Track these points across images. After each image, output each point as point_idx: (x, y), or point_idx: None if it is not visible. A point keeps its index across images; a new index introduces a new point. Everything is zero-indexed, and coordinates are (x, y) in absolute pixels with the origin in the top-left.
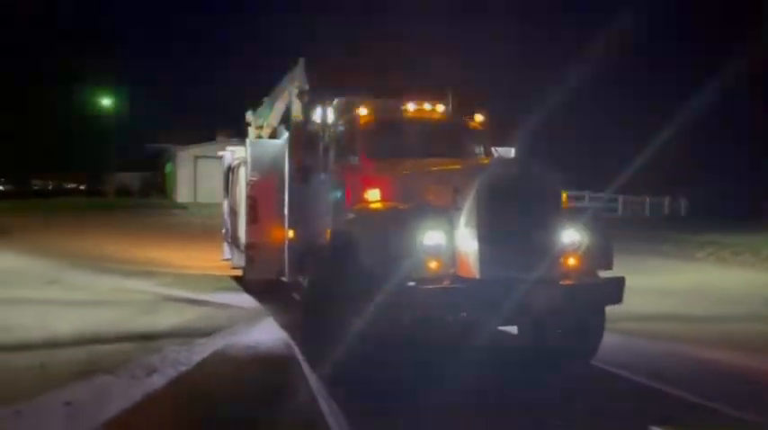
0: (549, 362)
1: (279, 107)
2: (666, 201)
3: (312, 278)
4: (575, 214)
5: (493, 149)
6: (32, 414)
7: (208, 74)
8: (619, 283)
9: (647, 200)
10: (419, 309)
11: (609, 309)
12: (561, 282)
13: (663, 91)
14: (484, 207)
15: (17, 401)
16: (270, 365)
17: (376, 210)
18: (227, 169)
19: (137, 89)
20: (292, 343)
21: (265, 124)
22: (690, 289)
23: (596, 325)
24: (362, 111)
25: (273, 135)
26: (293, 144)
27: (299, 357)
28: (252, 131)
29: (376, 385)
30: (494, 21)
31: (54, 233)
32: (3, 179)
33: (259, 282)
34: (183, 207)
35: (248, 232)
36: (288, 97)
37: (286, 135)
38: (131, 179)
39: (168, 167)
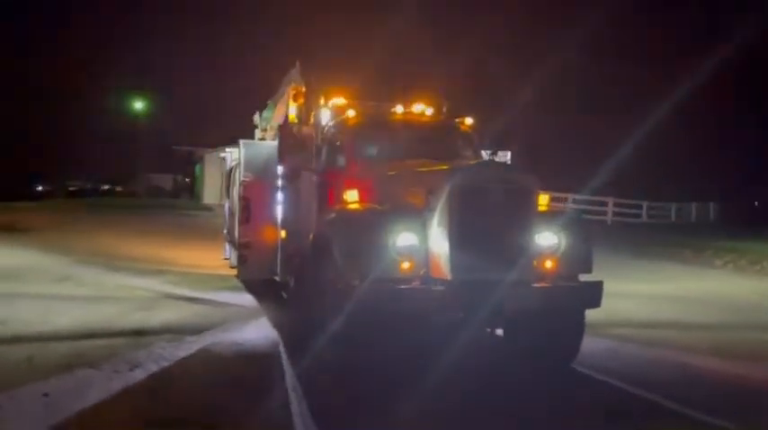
0: (530, 365)
1: (280, 109)
2: (694, 206)
3: (297, 277)
4: (553, 217)
5: (484, 152)
6: (10, 404)
7: (235, 75)
8: (596, 287)
9: (674, 205)
10: (388, 309)
11: (609, 314)
12: (535, 285)
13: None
14: (455, 209)
15: (6, 390)
16: (250, 363)
17: (352, 211)
18: (228, 170)
19: (168, 91)
20: (279, 341)
21: (268, 126)
22: (699, 296)
23: (575, 328)
24: (350, 113)
25: None
26: (280, 145)
27: (283, 356)
28: (258, 133)
29: (349, 387)
30: (490, 19)
31: (78, 231)
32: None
33: (261, 282)
34: (209, 208)
35: (241, 232)
36: (287, 99)
37: None
38: (163, 180)
39: (197, 169)
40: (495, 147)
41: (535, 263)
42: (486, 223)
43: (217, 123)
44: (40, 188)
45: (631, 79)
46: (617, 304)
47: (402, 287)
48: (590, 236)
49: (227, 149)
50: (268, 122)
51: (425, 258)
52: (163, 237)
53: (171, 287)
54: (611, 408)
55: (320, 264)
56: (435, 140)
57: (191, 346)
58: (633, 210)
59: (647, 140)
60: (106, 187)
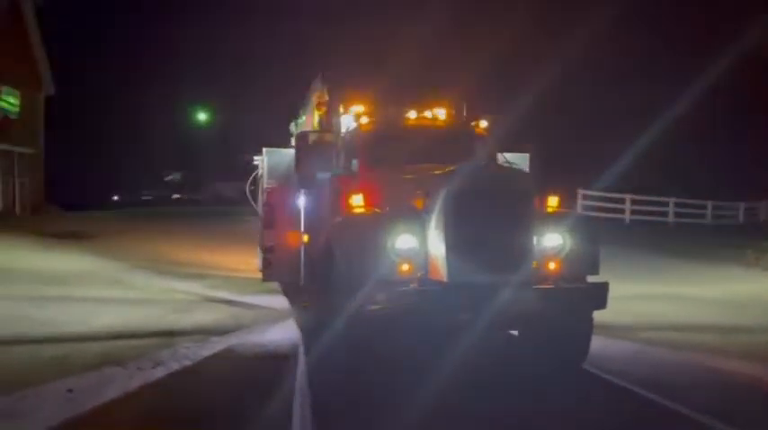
0: (541, 367)
1: (308, 118)
2: (763, 206)
3: (314, 281)
4: (558, 218)
5: (500, 155)
6: (35, 397)
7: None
8: (601, 288)
9: (743, 205)
10: (387, 311)
11: (642, 317)
12: (537, 286)
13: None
14: (450, 211)
15: (30, 387)
16: (267, 363)
17: (353, 215)
18: (255, 177)
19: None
20: (300, 343)
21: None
22: (746, 300)
23: (581, 329)
24: (363, 119)
25: None
26: (297, 153)
27: (300, 357)
28: (293, 141)
29: (351, 388)
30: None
31: (139, 238)
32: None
33: (296, 286)
34: None
35: (265, 236)
36: (312, 107)
37: None
38: (229, 189)
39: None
40: (511, 149)
41: (536, 264)
42: (483, 225)
43: (279, 131)
44: (116, 198)
45: (687, 68)
46: (654, 307)
47: (400, 289)
48: (596, 237)
49: (255, 158)
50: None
51: (424, 261)
52: (214, 242)
53: (211, 290)
54: (621, 414)
55: (327, 267)
56: (448, 144)
57: (214, 346)
58: (697, 211)
59: (708, 136)
60: (177, 196)
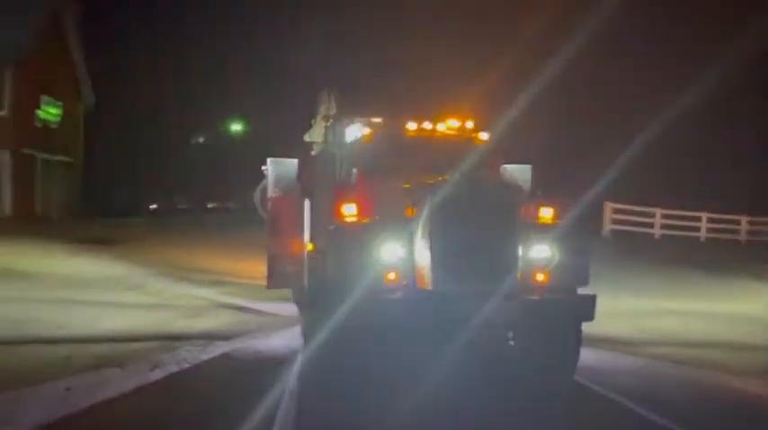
0: (526, 379)
1: (319, 129)
2: None
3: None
4: (547, 229)
5: (504, 167)
6: (33, 395)
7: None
8: (589, 300)
9: None
10: (371, 319)
11: (652, 333)
12: (523, 297)
13: None
14: (434, 221)
15: (30, 385)
16: (262, 368)
17: (343, 224)
18: (263, 186)
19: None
20: (300, 350)
21: (313, 145)
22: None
23: (569, 341)
24: (364, 130)
25: None
26: (299, 163)
27: (297, 363)
28: None
29: (336, 394)
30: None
31: (167, 245)
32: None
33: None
34: None
35: (270, 244)
36: (320, 119)
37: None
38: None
39: None
40: (514, 161)
41: (520, 275)
42: (466, 235)
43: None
44: (153, 206)
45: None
46: (664, 322)
47: (384, 298)
48: (586, 248)
49: (263, 167)
50: (312, 141)
51: (411, 270)
52: (240, 250)
53: (225, 296)
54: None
55: (320, 276)
56: (450, 156)
57: (214, 351)
58: (730, 226)
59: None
60: (211, 205)
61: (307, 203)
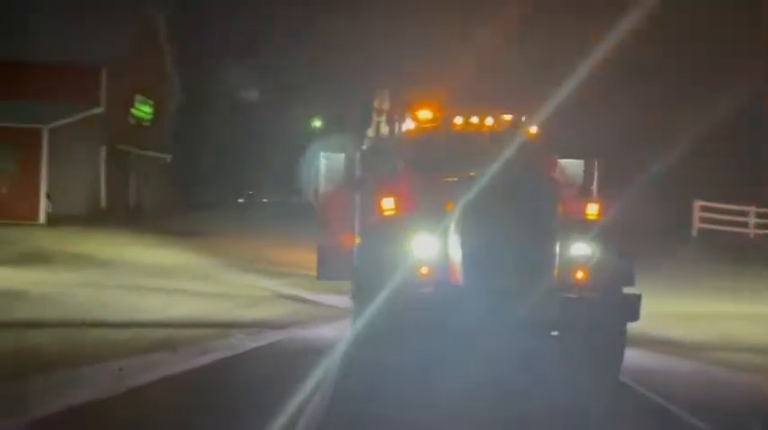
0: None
1: (373, 124)
2: None
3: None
4: (590, 226)
5: (556, 162)
6: (90, 373)
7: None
8: (633, 300)
9: None
10: (404, 313)
11: (719, 337)
12: (561, 295)
13: None
14: (468, 215)
15: (92, 364)
16: (307, 357)
17: (383, 218)
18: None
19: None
20: (347, 341)
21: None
22: None
23: (612, 342)
24: (410, 125)
25: None
26: (349, 157)
27: (339, 353)
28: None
29: (366, 388)
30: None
31: (244, 237)
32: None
33: None
34: None
35: (321, 237)
36: (375, 114)
37: None
38: None
39: None
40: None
41: (556, 272)
42: (498, 231)
43: None
44: (240, 200)
45: None
46: (735, 327)
47: (414, 292)
48: (630, 247)
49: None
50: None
51: (445, 265)
52: (308, 241)
53: (287, 288)
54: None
55: (360, 269)
56: (495, 151)
57: (264, 339)
58: None
59: None
60: (296, 199)
61: (357, 197)
